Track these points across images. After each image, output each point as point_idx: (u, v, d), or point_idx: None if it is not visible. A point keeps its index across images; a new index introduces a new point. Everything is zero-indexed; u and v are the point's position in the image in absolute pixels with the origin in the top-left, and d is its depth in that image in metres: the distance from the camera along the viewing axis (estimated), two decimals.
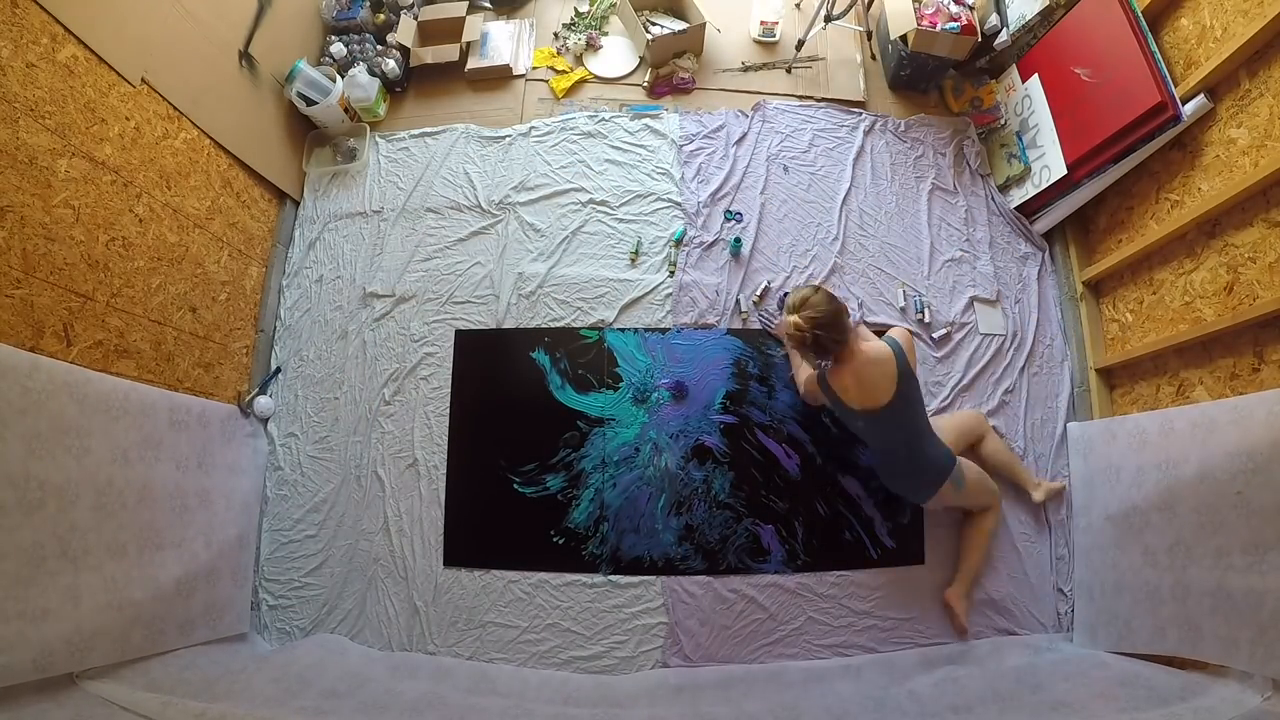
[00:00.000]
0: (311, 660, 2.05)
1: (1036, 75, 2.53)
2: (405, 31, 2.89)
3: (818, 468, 2.35)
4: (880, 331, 2.48)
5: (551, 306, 2.52)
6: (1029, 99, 2.57)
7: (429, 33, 2.97)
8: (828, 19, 2.70)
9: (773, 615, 2.21)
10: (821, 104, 2.86)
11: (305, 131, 2.79)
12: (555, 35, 3.04)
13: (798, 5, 3.08)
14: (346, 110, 2.74)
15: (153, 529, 1.81)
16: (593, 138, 2.77)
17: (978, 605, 2.23)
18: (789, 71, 2.91)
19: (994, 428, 2.33)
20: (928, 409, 2.19)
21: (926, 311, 2.47)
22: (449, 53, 2.89)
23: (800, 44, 2.81)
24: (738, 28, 3.04)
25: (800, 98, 2.89)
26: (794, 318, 1.87)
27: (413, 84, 2.98)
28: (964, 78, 2.83)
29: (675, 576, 2.25)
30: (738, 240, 2.55)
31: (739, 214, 2.62)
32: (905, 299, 2.44)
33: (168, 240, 2.08)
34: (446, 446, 2.39)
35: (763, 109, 2.81)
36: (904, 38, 2.66)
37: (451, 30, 2.94)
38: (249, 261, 2.49)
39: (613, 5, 3.06)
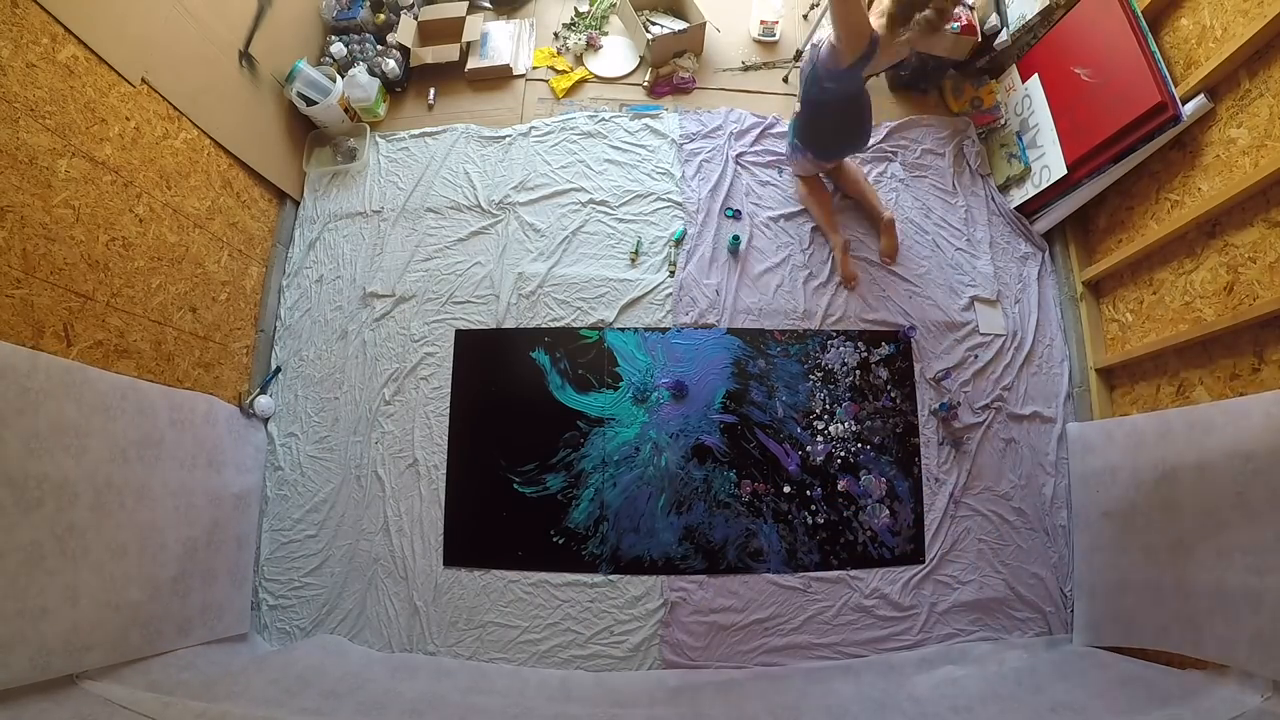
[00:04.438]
0: (311, 661, 2.05)
1: (1036, 75, 2.53)
2: (405, 31, 2.89)
3: (818, 467, 2.35)
4: (884, 331, 2.49)
5: (551, 306, 2.52)
6: (1029, 99, 2.57)
7: (429, 33, 2.97)
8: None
9: (772, 615, 2.21)
10: None
11: (305, 131, 2.79)
12: (555, 35, 3.04)
13: (805, 16, 3.06)
14: (346, 110, 2.74)
15: (153, 528, 1.81)
16: (593, 138, 2.77)
17: (977, 606, 2.23)
18: (786, 80, 2.91)
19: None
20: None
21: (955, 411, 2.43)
22: (449, 53, 2.89)
23: (798, 54, 2.80)
24: (738, 27, 3.04)
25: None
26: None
27: (413, 84, 2.98)
28: (964, 78, 2.83)
29: (675, 576, 2.25)
30: (736, 237, 2.55)
31: (738, 211, 2.63)
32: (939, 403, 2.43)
33: (168, 240, 2.08)
34: (446, 446, 2.39)
35: (776, 120, 2.80)
36: None
37: (451, 30, 2.94)
38: (249, 261, 2.49)
39: (613, 5, 3.06)
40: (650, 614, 2.22)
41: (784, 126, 2.76)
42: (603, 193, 2.67)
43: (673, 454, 2.35)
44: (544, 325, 2.50)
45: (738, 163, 2.71)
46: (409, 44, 2.87)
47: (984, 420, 2.40)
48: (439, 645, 2.21)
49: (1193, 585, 1.73)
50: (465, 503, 2.34)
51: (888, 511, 2.32)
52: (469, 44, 2.93)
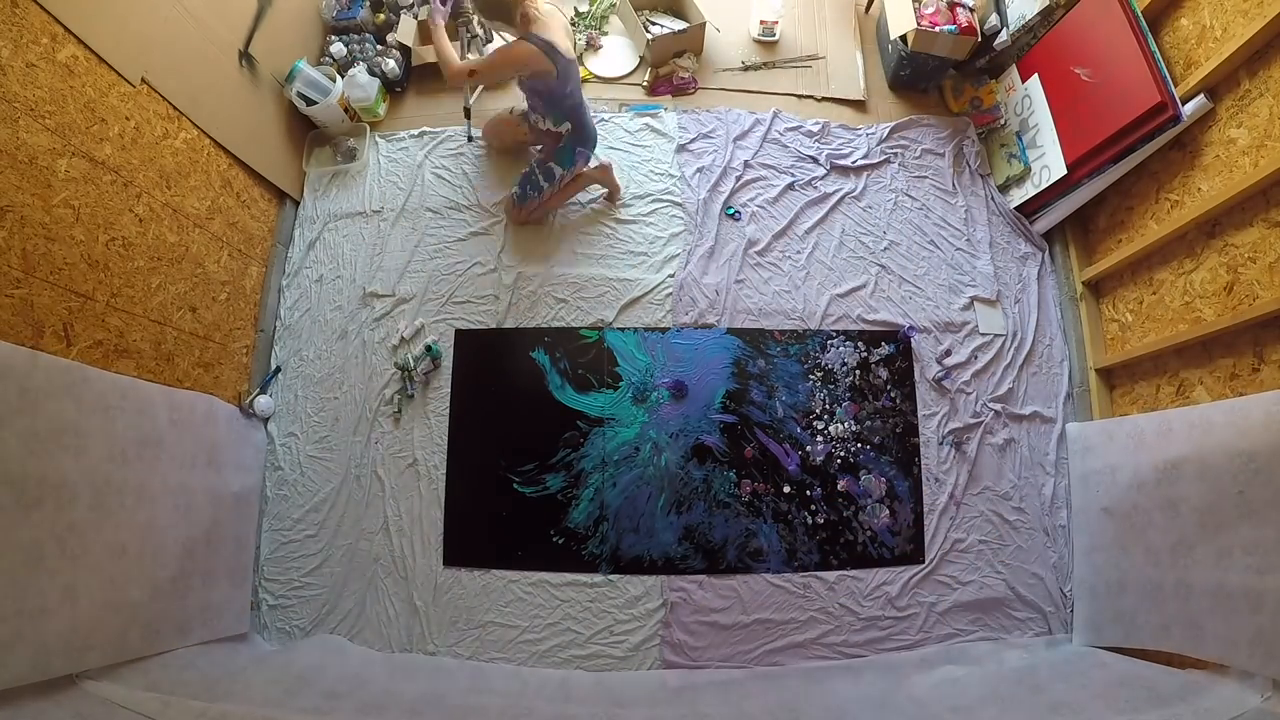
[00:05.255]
0: (311, 661, 2.05)
1: (1036, 75, 2.53)
2: (405, 31, 2.88)
3: (817, 467, 2.35)
4: (884, 331, 2.49)
5: (551, 306, 2.52)
6: (1029, 99, 2.57)
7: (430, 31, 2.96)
8: None
9: (772, 615, 2.22)
10: (822, 103, 2.87)
11: (305, 131, 2.78)
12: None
13: None
14: (346, 110, 2.74)
15: (153, 528, 1.81)
16: None
17: (976, 606, 2.23)
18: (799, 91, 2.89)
19: None
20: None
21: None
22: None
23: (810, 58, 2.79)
24: (737, 27, 3.04)
25: (800, 97, 2.89)
26: None
27: (412, 84, 2.98)
28: (964, 78, 2.83)
29: (675, 576, 2.25)
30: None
31: (738, 212, 2.63)
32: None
33: (168, 240, 2.07)
34: (446, 446, 2.39)
35: (775, 118, 2.80)
36: (904, 38, 2.66)
37: (453, 28, 2.93)
38: (249, 261, 2.49)
39: (613, 5, 3.06)
40: (650, 614, 2.22)
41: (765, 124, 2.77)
42: (602, 192, 2.67)
43: (672, 454, 2.35)
44: (544, 325, 2.50)
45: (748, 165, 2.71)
46: (409, 43, 2.87)
47: (983, 420, 2.40)
48: (439, 645, 2.21)
49: (1193, 585, 1.73)
50: (465, 503, 2.34)
51: (888, 511, 2.32)
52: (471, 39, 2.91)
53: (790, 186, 2.68)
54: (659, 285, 2.53)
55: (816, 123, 2.80)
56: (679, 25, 2.96)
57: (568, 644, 2.19)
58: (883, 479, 2.35)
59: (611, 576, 2.26)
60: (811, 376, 2.44)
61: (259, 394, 2.42)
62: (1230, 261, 1.90)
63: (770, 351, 2.46)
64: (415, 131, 2.83)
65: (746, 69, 2.96)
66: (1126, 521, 2.00)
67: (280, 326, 2.59)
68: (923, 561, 2.28)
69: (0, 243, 1.54)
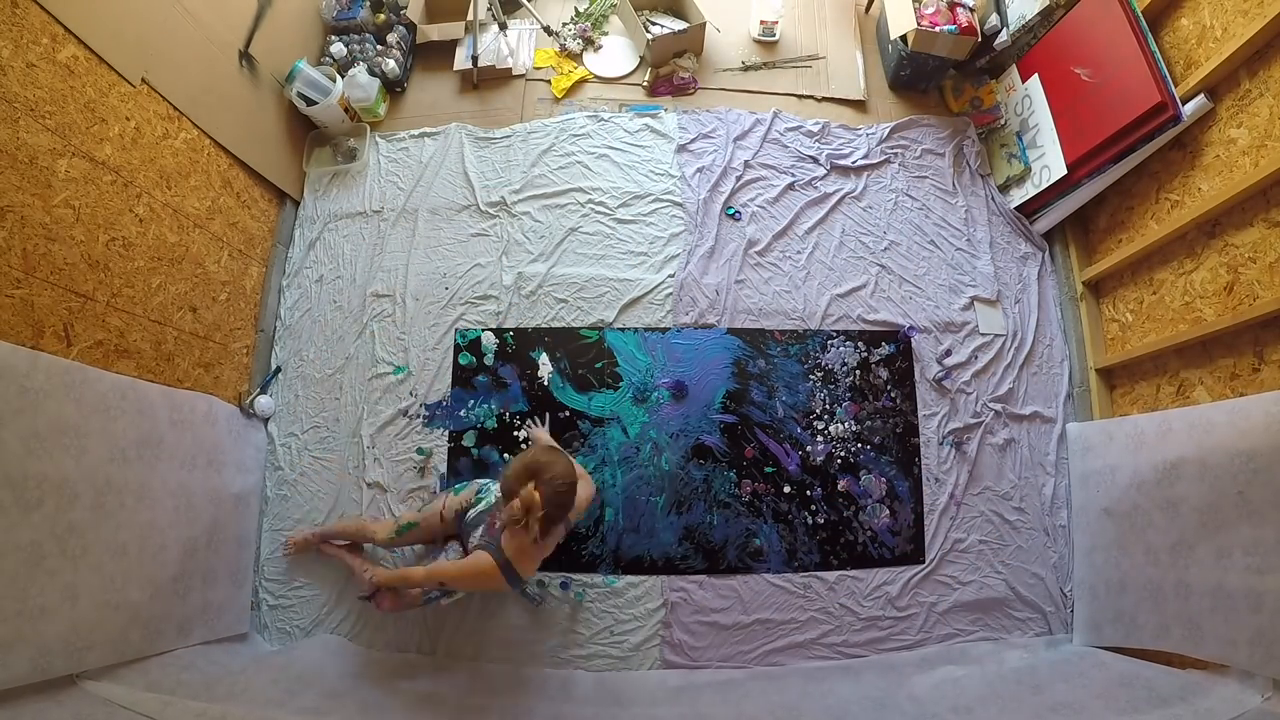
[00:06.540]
0: (311, 661, 2.05)
1: (1036, 75, 2.53)
2: (413, 8, 2.88)
3: (818, 467, 2.35)
4: (884, 331, 2.49)
5: (551, 306, 2.52)
6: (1029, 99, 2.57)
7: (435, 10, 2.97)
8: None
9: (772, 615, 2.21)
10: (822, 103, 2.88)
11: (305, 131, 2.79)
12: (550, 32, 3.03)
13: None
14: (346, 110, 2.74)
15: (153, 528, 1.81)
16: (592, 138, 2.76)
17: (977, 606, 2.24)
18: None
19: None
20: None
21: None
22: (454, 30, 2.88)
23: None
24: (738, 27, 3.04)
25: (800, 97, 2.89)
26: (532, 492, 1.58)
27: (413, 84, 2.98)
28: (964, 78, 2.83)
29: (675, 576, 2.25)
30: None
31: (738, 212, 2.63)
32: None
33: (168, 240, 2.07)
34: (447, 446, 2.39)
35: (775, 118, 2.80)
36: (904, 38, 2.66)
37: (457, 8, 2.93)
38: (249, 261, 2.49)
39: (613, 5, 3.06)
40: (650, 614, 2.22)
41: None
42: (602, 193, 2.67)
43: (673, 454, 2.35)
44: (544, 325, 2.50)
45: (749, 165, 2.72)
46: (416, 19, 2.87)
47: (983, 420, 2.40)
48: (439, 645, 2.21)
49: (1193, 585, 1.73)
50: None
51: (888, 511, 2.32)
52: (470, 23, 2.88)
53: (790, 186, 2.68)
54: (659, 285, 2.53)
55: (817, 123, 2.80)
56: (679, 25, 2.96)
57: (568, 644, 2.19)
58: (883, 479, 2.35)
59: (611, 578, 2.26)
60: (812, 376, 2.44)
61: (259, 394, 2.42)
62: (1230, 261, 1.90)
63: (770, 351, 2.46)
64: (415, 132, 2.83)
65: (746, 69, 2.96)
66: (1126, 521, 2.00)
67: (280, 326, 2.59)
68: (923, 561, 2.28)
69: (0, 243, 1.54)
